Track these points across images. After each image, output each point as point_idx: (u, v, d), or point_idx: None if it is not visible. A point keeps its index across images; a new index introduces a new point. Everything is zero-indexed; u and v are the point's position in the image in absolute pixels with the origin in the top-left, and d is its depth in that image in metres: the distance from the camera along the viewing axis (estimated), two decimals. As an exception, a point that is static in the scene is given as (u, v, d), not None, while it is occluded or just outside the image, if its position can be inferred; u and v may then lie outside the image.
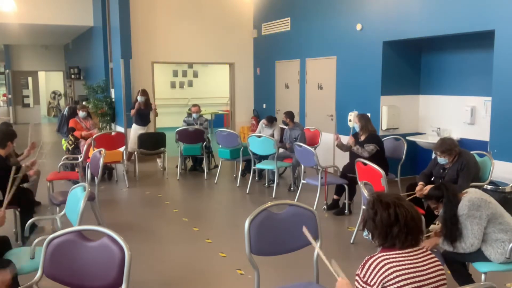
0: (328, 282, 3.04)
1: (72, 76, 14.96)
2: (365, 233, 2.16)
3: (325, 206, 6.05)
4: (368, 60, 7.47)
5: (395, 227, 2.02)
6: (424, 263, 2.01)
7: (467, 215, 3.23)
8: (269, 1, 10.21)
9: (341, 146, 6.22)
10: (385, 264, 1.96)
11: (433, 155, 4.80)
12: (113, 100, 10.26)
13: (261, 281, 2.85)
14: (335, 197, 6.08)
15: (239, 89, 10.99)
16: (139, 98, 8.44)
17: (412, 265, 1.97)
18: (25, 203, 4.87)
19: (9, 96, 18.43)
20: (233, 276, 4.19)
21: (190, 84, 16.05)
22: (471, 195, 3.30)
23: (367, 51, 7.46)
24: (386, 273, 1.94)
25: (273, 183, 7.09)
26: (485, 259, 3.30)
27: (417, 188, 4.65)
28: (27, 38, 14.88)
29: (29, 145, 5.77)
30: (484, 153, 5.24)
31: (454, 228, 3.25)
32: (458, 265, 3.42)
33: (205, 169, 8.20)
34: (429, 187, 4.49)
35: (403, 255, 2.01)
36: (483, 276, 3.29)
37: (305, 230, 2.41)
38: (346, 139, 6.23)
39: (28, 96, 18.50)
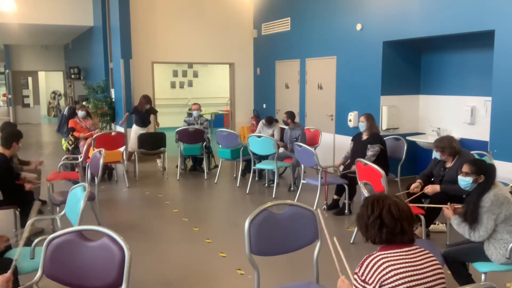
0: (328, 282, 3.04)
1: (72, 76, 14.96)
2: None
3: (325, 206, 6.05)
4: (368, 60, 7.46)
5: (371, 217, 2.08)
6: (422, 261, 2.03)
7: (488, 208, 3.23)
8: (269, 1, 10.21)
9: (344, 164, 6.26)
10: (383, 263, 1.98)
11: (433, 155, 4.81)
12: (113, 100, 10.25)
13: (261, 281, 2.85)
14: (335, 197, 6.08)
15: (239, 89, 10.98)
16: (147, 106, 8.48)
17: (409, 264, 1.99)
18: (25, 203, 4.87)
19: (9, 96, 18.42)
20: (233, 276, 4.19)
21: (190, 84, 16.05)
22: (497, 190, 3.29)
23: (367, 51, 7.46)
24: (384, 272, 1.96)
25: (273, 183, 7.09)
26: (485, 259, 3.30)
27: (414, 185, 4.68)
28: (27, 38, 14.87)
29: (38, 161, 5.95)
30: (484, 153, 5.24)
31: (474, 211, 3.27)
32: (458, 265, 3.43)
33: (205, 169, 8.20)
34: (430, 186, 4.50)
35: (401, 253, 2.02)
36: (483, 276, 3.29)
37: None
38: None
39: (28, 96, 18.50)
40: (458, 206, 3.63)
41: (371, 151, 5.74)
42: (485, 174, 3.34)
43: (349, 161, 6.10)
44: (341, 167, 6.19)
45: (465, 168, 3.43)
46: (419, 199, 4.72)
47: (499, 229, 3.25)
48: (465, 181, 3.42)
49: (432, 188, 4.48)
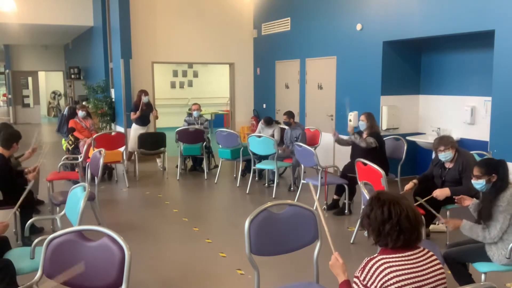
0: (328, 282, 3.04)
1: (72, 76, 14.96)
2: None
3: (325, 206, 6.05)
4: (368, 60, 7.46)
5: (387, 224, 2.02)
6: (424, 266, 2.02)
7: (505, 208, 3.22)
8: (269, 1, 10.21)
9: (340, 141, 6.28)
10: (385, 268, 1.98)
11: (433, 155, 4.80)
12: (113, 100, 10.25)
13: (261, 281, 2.85)
14: (335, 197, 6.08)
15: (239, 89, 10.98)
16: (145, 99, 8.42)
17: (411, 269, 1.98)
18: (25, 203, 4.86)
19: (9, 96, 18.42)
20: (233, 276, 4.19)
21: (190, 84, 16.05)
22: None
23: (367, 51, 7.46)
24: (386, 278, 1.95)
25: (273, 183, 7.09)
26: (486, 259, 3.30)
27: (408, 185, 4.70)
28: (27, 38, 14.87)
29: (31, 148, 5.75)
30: (484, 153, 5.24)
31: (490, 208, 3.26)
32: (459, 265, 3.42)
33: (205, 169, 8.20)
34: (438, 190, 4.44)
35: (403, 258, 2.01)
36: (483, 276, 3.29)
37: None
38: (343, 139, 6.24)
39: (28, 96, 18.48)
40: (468, 198, 3.62)
41: (366, 140, 5.77)
42: (496, 171, 3.32)
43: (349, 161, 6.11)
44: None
45: (475, 171, 3.41)
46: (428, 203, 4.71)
47: (508, 230, 3.24)
48: (478, 184, 3.39)
49: (441, 192, 4.39)
